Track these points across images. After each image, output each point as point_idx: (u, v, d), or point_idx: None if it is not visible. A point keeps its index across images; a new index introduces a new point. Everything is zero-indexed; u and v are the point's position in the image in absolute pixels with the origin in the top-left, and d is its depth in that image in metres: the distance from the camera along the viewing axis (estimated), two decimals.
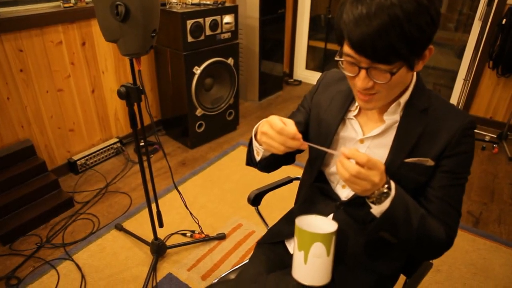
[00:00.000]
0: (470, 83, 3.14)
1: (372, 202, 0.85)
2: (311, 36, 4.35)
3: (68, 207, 2.30)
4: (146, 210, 2.27)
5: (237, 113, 3.20)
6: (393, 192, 0.84)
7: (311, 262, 0.95)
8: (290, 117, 1.18)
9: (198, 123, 2.88)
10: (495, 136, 3.15)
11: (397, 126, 0.96)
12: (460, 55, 3.54)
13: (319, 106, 1.10)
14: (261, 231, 2.13)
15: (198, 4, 2.64)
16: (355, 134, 1.02)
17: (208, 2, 2.72)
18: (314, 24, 4.33)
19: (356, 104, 1.02)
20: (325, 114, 1.08)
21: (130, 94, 1.47)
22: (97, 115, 2.70)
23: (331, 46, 4.11)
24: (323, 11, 4.35)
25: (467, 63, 3.31)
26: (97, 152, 2.69)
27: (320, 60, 4.67)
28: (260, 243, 1.26)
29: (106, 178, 2.57)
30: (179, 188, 2.47)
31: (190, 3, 2.62)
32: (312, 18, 4.24)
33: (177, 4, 2.62)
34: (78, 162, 2.58)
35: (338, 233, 0.97)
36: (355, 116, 1.02)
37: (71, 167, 2.61)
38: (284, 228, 1.25)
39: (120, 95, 1.47)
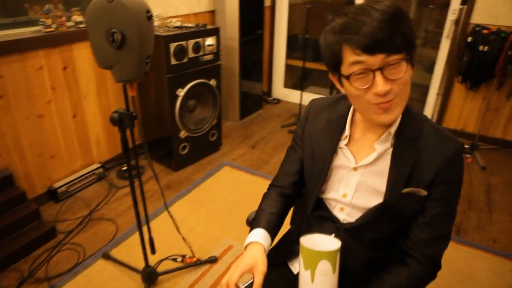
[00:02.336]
0: (442, 96, 3.31)
1: None
2: (288, 55, 4.46)
3: (50, 237, 2.20)
4: (134, 237, 2.21)
5: (220, 134, 3.21)
6: None
7: (318, 280, 0.96)
8: (287, 157, 1.22)
9: (182, 145, 2.86)
10: (468, 146, 3.31)
11: (390, 155, 0.97)
12: (429, 69, 3.73)
13: (311, 137, 1.12)
14: None
15: (180, 27, 2.66)
16: (348, 162, 1.04)
17: (190, 25, 2.74)
18: (291, 43, 4.45)
19: (346, 134, 1.03)
20: (317, 145, 1.09)
21: (123, 120, 1.45)
22: (79, 140, 2.63)
23: (309, 65, 4.22)
24: (299, 31, 4.49)
25: (438, 78, 3.49)
26: (79, 179, 2.61)
27: (298, 78, 4.78)
28: None
29: (89, 205, 2.50)
30: (165, 212, 2.43)
31: (172, 26, 2.64)
32: (289, 38, 4.35)
33: (159, 28, 2.63)
34: (59, 190, 2.49)
35: (340, 251, 0.99)
36: (346, 145, 1.04)
37: (52, 195, 2.51)
38: (285, 249, 1.26)
39: (113, 121, 1.45)
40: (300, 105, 3.87)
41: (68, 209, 2.47)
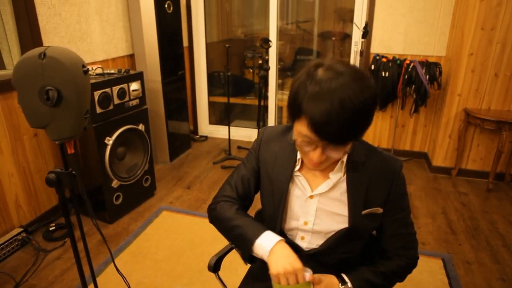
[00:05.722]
0: None
1: None
2: (210, 92, 4.54)
3: None
4: None
5: (153, 179, 3.11)
6: (350, 285, 1.05)
7: None
8: (237, 174, 1.22)
9: (116, 195, 2.71)
10: None
11: (345, 182, 1.07)
12: None
13: (266, 164, 1.17)
14: None
15: (103, 74, 2.58)
16: (305, 191, 1.10)
17: (112, 71, 2.67)
18: (211, 80, 4.55)
19: (298, 157, 1.10)
20: (273, 172, 1.14)
21: (62, 181, 1.35)
22: None
23: (232, 100, 4.35)
24: (217, 68, 4.62)
25: None
26: None
27: (221, 113, 4.88)
28: None
29: (15, 277, 2.20)
30: (106, 270, 2.26)
31: (94, 74, 2.54)
32: (208, 76, 4.45)
33: None
34: None
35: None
36: (299, 170, 1.11)
37: None
38: (254, 286, 1.26)
39: (50, 182, 1.34)
40: (229, 139, 3.94)
41: None
